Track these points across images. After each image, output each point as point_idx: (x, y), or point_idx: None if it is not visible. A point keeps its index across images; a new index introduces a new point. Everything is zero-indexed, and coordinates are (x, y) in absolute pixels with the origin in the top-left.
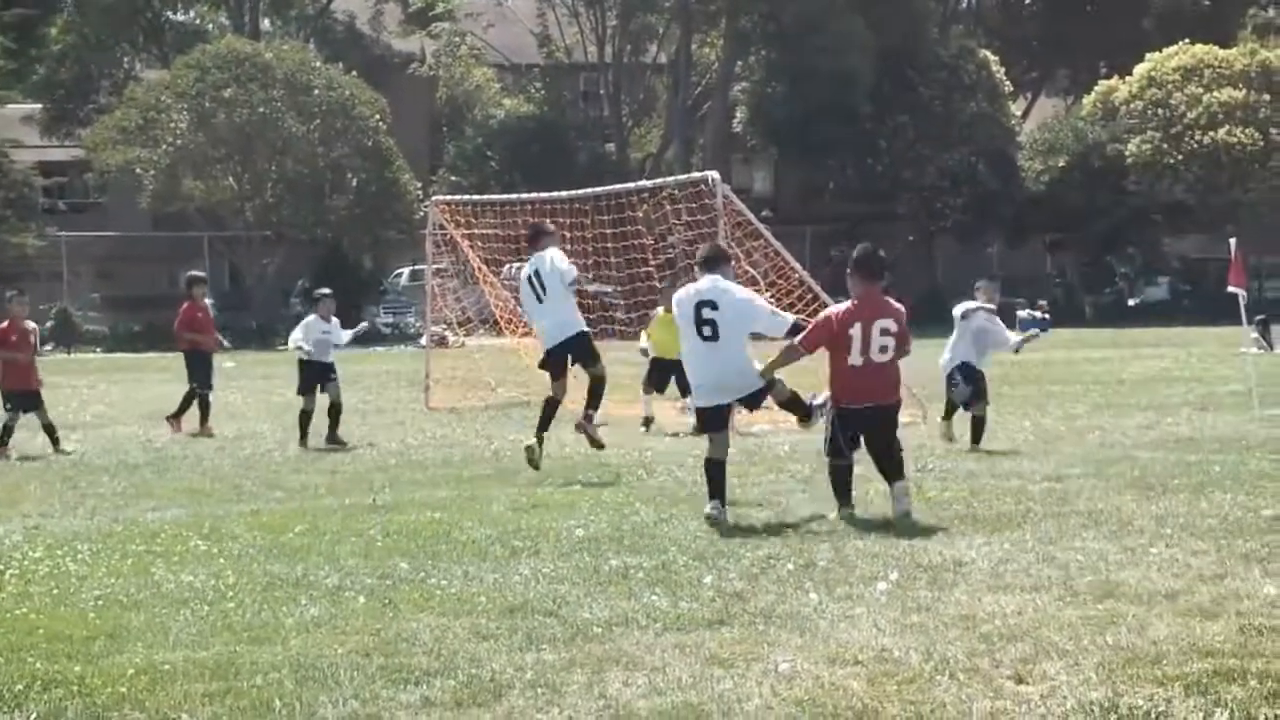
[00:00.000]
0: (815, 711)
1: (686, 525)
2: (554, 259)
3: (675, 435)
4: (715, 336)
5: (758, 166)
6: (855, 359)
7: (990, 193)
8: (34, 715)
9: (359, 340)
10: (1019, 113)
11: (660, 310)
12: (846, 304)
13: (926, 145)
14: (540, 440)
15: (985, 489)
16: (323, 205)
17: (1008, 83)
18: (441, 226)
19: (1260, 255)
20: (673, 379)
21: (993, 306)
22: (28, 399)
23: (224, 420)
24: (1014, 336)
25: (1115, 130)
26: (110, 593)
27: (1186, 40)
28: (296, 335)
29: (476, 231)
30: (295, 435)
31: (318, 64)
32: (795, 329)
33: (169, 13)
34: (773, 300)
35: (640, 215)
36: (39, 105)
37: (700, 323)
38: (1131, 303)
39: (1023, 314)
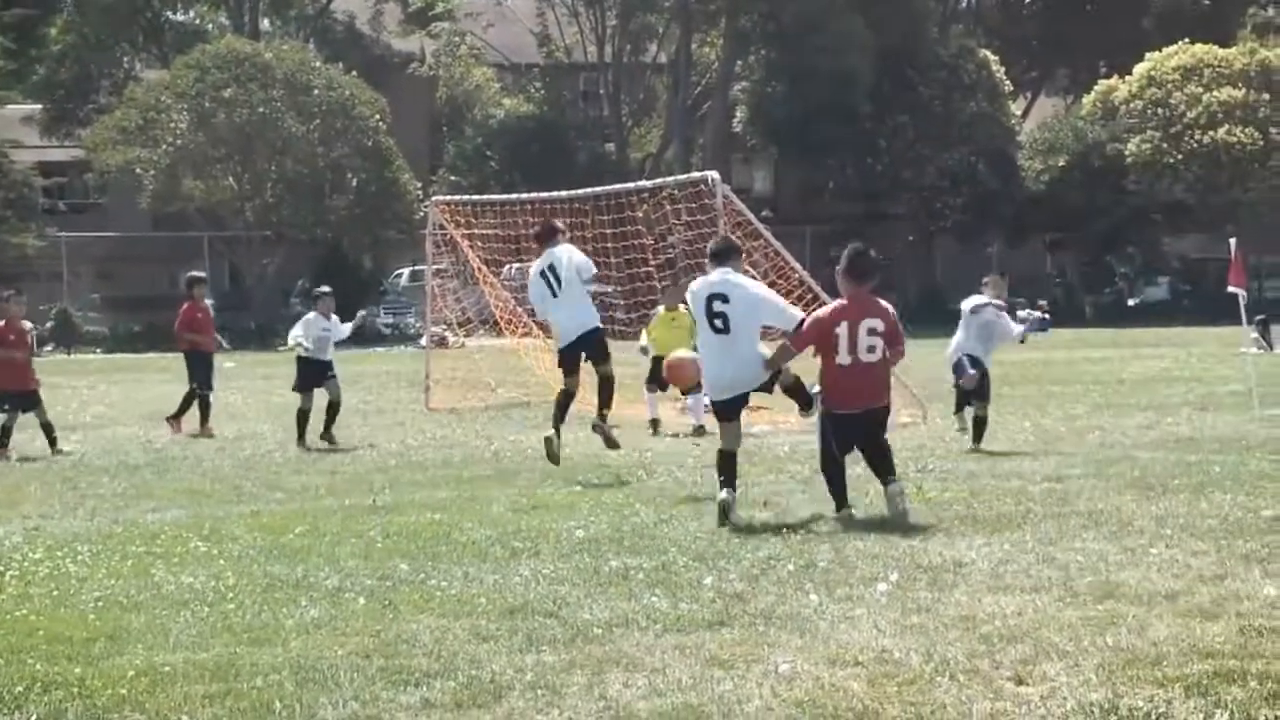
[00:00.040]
0: (815, 713)
1: (687, 526)
2: (571, 253)
3: (675, 435)
4: (727, 329)
5: (758, 166)
6: (843, 358)
7: (990, 192)
8: (34, 717)
9: (359, 340)
10: (1019, 112)
11: (661, 309)
12: (836, 303)
13: (926, 145)
14: (558, 432)
15: (985, 489)
16: (323, 205)
17: (1007, 82)
18: (441, 226)
19: (1260, 255)
20: None
21: (1001, 303)
22: (25, 399)
23: (224, 421)
24: (1017, 326)
25: (1115, 130)
26: (110, 594)
27: (1186, 40)
28: (296, 332)
29: (476, 232)
30: (294, 436)
31: (317, 64)
32: (800, 326)
33: (169, 13)
34: None
35: (640, 215)
36: (39, 105)
37: (712, 315)
38: (1131, 302)
39: (1022, 314)
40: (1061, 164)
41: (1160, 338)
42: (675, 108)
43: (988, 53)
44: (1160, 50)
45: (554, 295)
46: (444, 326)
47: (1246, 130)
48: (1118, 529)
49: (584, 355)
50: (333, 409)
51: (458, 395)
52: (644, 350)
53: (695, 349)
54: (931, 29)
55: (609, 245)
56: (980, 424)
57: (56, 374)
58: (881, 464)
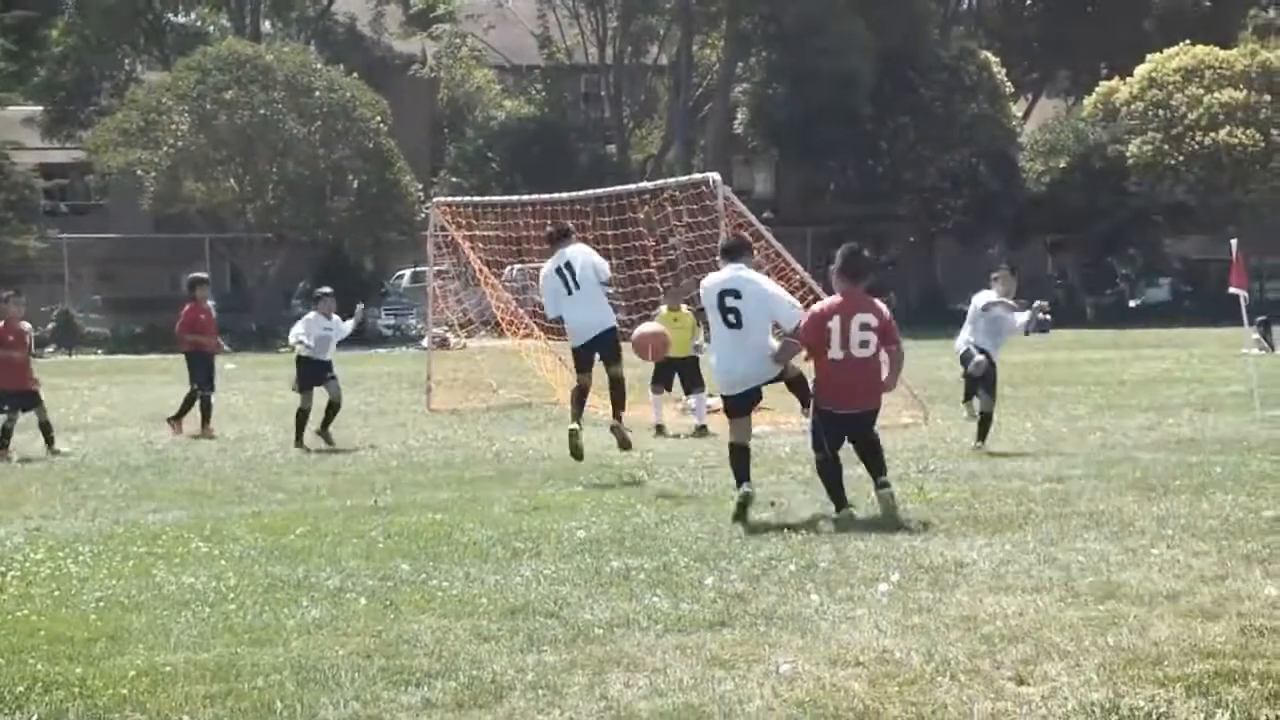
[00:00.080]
0: (816, 713)
1: (688, 527)
2: (587, 254)
3: (676, 436)
4: (739, 324)
5: (759, 168)
6: (835, 353)
7: (991, 194)
8: (35, 717)
9: (361, 341)
10: (1020, 114)
11: (664, 309)
12: (831, 299)
13: (927, 146)
14: (579, 426)
15: (987, 490)
16: (324, 207)
17: (1008, 84)
18: (443, 228)
19: (1261, 256)
20: (676, 376)
21: (1012, 302)
22: (24, 399)
23: (225, 422)
24: (1021, 318)
25: (1116, 131)
26: (112, 594)
27: (1187, 41)
28: (298, 330)
29: (478, 233)
30: (295, 437)
31: (319, 66)
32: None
33: (170, 14)
34: None
35: (641, 217)
36: (40, 107)
37: (725, 310)
38: (1133, 304)
39: (1023, 315)
40: (1062, 165)
41: (1161, 339)
42: (676, 109)
43: (989, 54)
44: (1161, 52)
45: (568, 293)
46: (445, 328)
47: (1248, 132)
48: (1119, 529)
49: (597, 355)
50: (332, 409)
51: (459, 396)
52: None
53: (697, 349)
54: (932, 31)
55: (610, 247)
56: (985, 421)
57: (58, 375)
58: (873, 460)
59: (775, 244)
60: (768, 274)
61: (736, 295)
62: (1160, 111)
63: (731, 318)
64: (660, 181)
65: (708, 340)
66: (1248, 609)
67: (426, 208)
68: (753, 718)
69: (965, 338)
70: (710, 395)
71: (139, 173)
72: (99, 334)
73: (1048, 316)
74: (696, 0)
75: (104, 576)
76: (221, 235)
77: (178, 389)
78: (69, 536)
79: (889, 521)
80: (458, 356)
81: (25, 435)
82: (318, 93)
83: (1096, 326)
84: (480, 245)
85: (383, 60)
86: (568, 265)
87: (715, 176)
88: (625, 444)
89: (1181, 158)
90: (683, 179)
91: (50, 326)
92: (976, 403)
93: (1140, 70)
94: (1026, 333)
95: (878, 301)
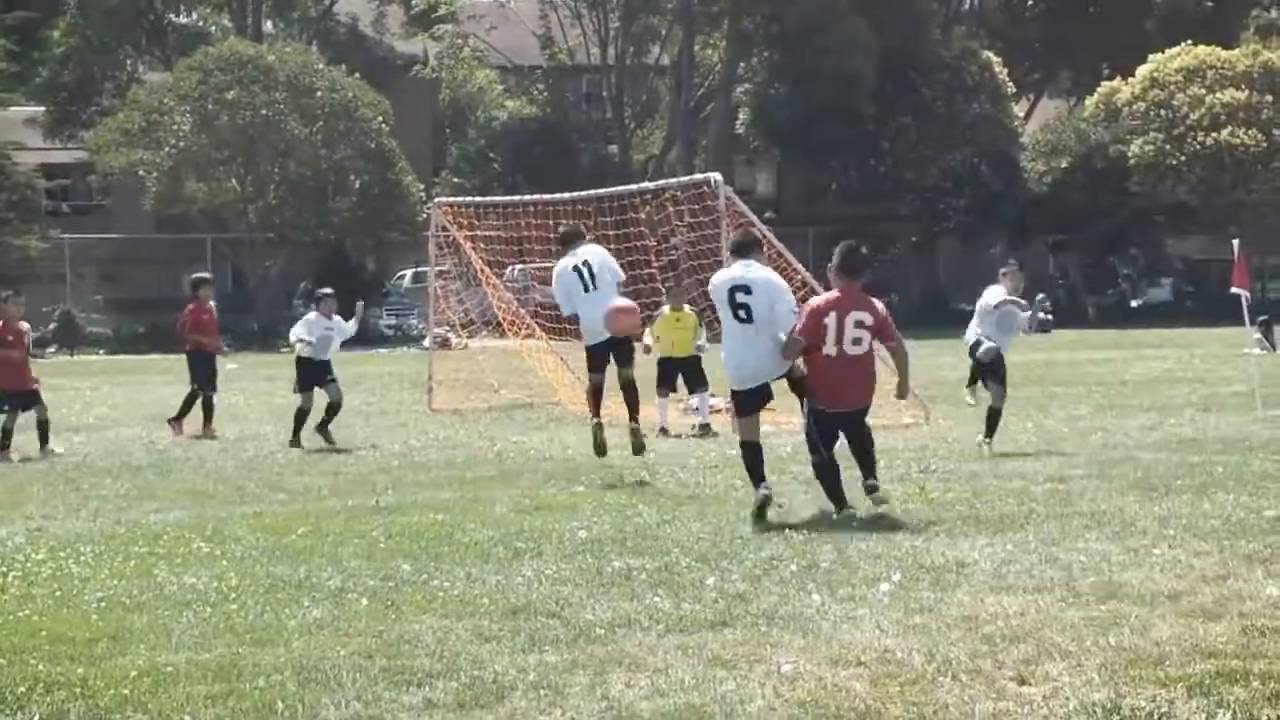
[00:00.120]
0: (818, 713)
1: (689, 527)
2: (603, 255)
3: (678, 436)
4: (750, 319)
5: (760, 168)
6: (829, 349)
7: (993, 194)
8: (36, 717)
9: (363, 341)
10: (1021, 114)
11: (666, 309)
12: (829, 294)
13: (929, 146)
14: (600, 422)
15: (988, 490)
16: (325, 207)
17: (1010, 84)
18: (444, 228)
19: (1263, 256)
20: (679, 376)
21: (1021, 301)
22: (23, 398)
23: (227, 422)
24: (1024, 313)
25: (1118, 131)
26: (113, 595)
27: (1189, 41)
28: (299, 330)
29: (479, 233)
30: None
31: (320, 66)
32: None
33: (171, 15)
34: None
35: (643, 217)
36: (42, 108)
37: (735, 306)
38: (1134, 304)
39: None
40: (1064, 165)
41: (1163, 339)
42: (678, 109)
43: (990, 54)
44: (1163, 52)
45: (585, 290)
46: (447, 328)
47: (1249, 132)
48: (1120, 529)
49: (611, 356)
50: (332, 409)
51: (461, 396)
52: (646, 349)
53: (699, 349)
54: (934, 31)
55: (612, 247)
56: (994, 416)
57: (60, 375)
58: (864, 458)
59: (777, 244)
60: None
61: (748, 291)
62: (1162, 112)
63: (742, 313)
64: (662, 182)
65: (710, 340)
66: (1249, 609)
67: (428, 208)
68: (754, 718)
69: (975, 330)
70: (714, 395)
71: (141, 173)
72: (101, 334)
73: (1049, 316)
74: (698, 0)
75: (105, 577)
76: (223, 235)
77: (179, 389)
78: (71, 536)
79: (878, 517)
80: (459, 356)
81: (26, 436)
82: (319, 93)
83: (1098, 326)
84: (482, 245)
85: (385, 61)
86: (585, 264)
87: (717, 177)
88: (640, 448)
89: (1183, 158)
90: (684, 179)
91: (52, 327)
92: (979, 390)
93: (1142, 70)
94: (1028, 330)
95: (875, 301)
